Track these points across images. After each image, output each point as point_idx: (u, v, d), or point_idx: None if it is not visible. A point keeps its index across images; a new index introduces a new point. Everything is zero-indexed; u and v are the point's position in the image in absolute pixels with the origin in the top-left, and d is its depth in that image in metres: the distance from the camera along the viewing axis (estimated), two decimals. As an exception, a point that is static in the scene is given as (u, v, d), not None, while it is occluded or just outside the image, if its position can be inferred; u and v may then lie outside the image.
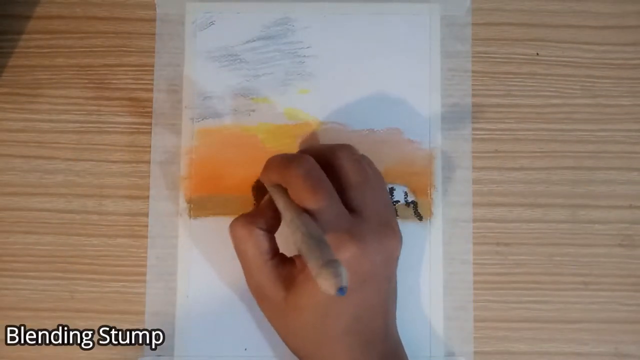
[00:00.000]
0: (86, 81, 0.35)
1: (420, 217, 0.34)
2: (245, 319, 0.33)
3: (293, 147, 0.35)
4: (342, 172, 0.29)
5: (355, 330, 0.28)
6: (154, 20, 0.36)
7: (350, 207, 0.29)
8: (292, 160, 0.28)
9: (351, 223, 0.28)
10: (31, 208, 0.34)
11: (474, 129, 0.35)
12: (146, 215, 0.34)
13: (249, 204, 0.34)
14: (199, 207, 0.34)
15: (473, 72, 0.35)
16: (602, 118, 0.35)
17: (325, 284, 0.22)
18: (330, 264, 0.22)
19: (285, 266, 0.29)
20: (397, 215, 0.34)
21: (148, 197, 0.34)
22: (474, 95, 0.35)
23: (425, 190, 0.34)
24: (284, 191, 0.28)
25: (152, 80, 0.35)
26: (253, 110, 0.35)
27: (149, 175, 0.34)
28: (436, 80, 0.35)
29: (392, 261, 0.30)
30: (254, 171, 0.34)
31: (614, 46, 0.36)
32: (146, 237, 0.34)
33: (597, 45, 0.36)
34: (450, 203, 0.34)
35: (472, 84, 0.35)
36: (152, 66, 0.35)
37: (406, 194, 0.34)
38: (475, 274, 0.34)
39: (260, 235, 0.29)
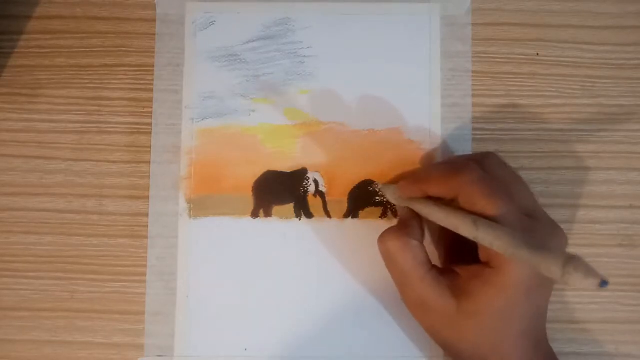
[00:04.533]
0: (86, 81, 0.35)
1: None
2: (245, 319, 0.33)
3: (293, 147, 0.35)
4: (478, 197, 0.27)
5: (529, 330, 0.28)
6: (154, 20, 0.36)
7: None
8: (462, 169, 0.28)
9: (529, 225, 0.27)
10: (31, 208, 0.34)
11: (474, 129, 0.35)
12: (146, 215, 0.34)
13: (249, 204, 0.34)
14: (199, 207, 0.34)
15: (473, 72, 0.35)
16: (602, 118, 0.35)
17: (584, 282, 0.20)
18: (572, 260, 0.21)
19: (446, 275, 0.29)
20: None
21: (148, 197, 0.34)
22: (474, 96, 0.35)
23: (425, 191, 0.34)
24: (443, 203, 0.28)
25: (152, 80, 0.35)
26: (253, 111, 0.35)
27: (149, 176, 0.34)
28: (436, 80, 0.35)
29: None
30: (254, 171, 0.34)
31: (614, 46, 0.36)
32: (146, 237, 0.34)
33: (597, 45, 0.36)
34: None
35: (472, 84, 0.35)
36: (152, 66, 0.35)
37: (406, 194, 0.34)
38: (475, 274, 0.34)
39: (416, 247, 0.29)
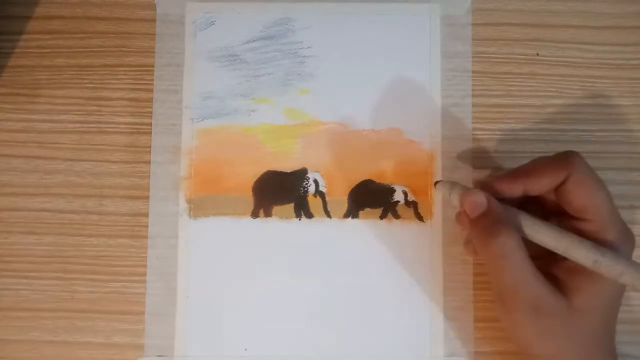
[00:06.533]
0: (86, 81, 0.35)
1: (420, 218, 0.34)
2: (245, 319, 0.33)
3: (293, 147, 0.35)
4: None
5: (617, 319, 0.30)
6: (154, 20, 0.36)
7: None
8: (570, 156, 0.28)
9: (616, 218, 0.28)
10: (31, 208, 0.34)
11: (474, 129, 0.35)
12: (146, 215, 0.34)
13: (249, 204, 0.34)
14: (199, 207, 0.34)
15: (473, 72, 0.35)
16: (602, 118, 0.35)
17: None
18: None
19: (550, 269, 0.29)
20: (399, 216, 0.34)
21: (148, 197, 0.34)
22: (474, 96, 0.35)
23: (425, 191, 0.34)
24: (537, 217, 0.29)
25: (152, 80, 0.35)
26: (253, 111, 0.35)
27: (149, 176, 0.34)
28: (436, 80, 0.35)
29: None
30: (254, 171, 0.34)
31: (614, 46, 0.36)
32: (146, 237, 0.34)
33: (597, 45, 0.36)
34: (450, 203, 0.34)
35: (472, 84, 0.35)
36: (152, 66, 0.35)
37: (406, 194, 0.34)
38: (475, 274, 0.34)
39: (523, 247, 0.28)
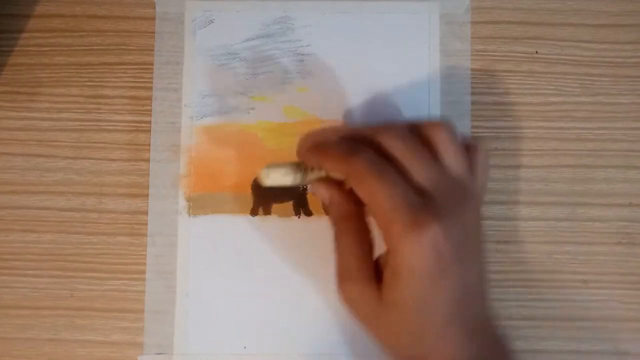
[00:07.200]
0: (86, 79, 0.35)
1: (419, 215, 0.34)
2: (245, 317, 0.33)
3: (292, 146, 0.34)
4: (394, 153, 0.27)
5: (457, 317, 0.26)
6: (153, 18, 0.36)
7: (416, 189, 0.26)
8: (354, 152, 0.27)
9: (423, 204, 0.25)
10: (31, 206, 0.34)
11: (473, 127, 0.35)
12: (146, 213, 0.34)
13: (248, 202, 0.34)
14: (199, 205, 0.34)
15: (472, 70, 0.35)
16: (601, 116, 0.35)
17: None
18: None
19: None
20: None
21: (147, 195, 0.34)
22: (473, 94, 0.35)
23: (424, 188, 0.34)
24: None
25: (152, 78, 0.35)
26: (252, 109, 0.35)
27: (148, 174, 0.35)
28: (435, 78, 0.35)
29: (476, 237, 0.28)
30: (254, 169, 0.34)
31: (613, 44, 0.36)
32: (145, 235, 0.34)
33: (596, 43, 0.36)
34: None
35: (471, 82, 0.35)
36: (152, 64, 0.35)
37: (405, 192, 0.34)
38: (474, 272, 0.34)
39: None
